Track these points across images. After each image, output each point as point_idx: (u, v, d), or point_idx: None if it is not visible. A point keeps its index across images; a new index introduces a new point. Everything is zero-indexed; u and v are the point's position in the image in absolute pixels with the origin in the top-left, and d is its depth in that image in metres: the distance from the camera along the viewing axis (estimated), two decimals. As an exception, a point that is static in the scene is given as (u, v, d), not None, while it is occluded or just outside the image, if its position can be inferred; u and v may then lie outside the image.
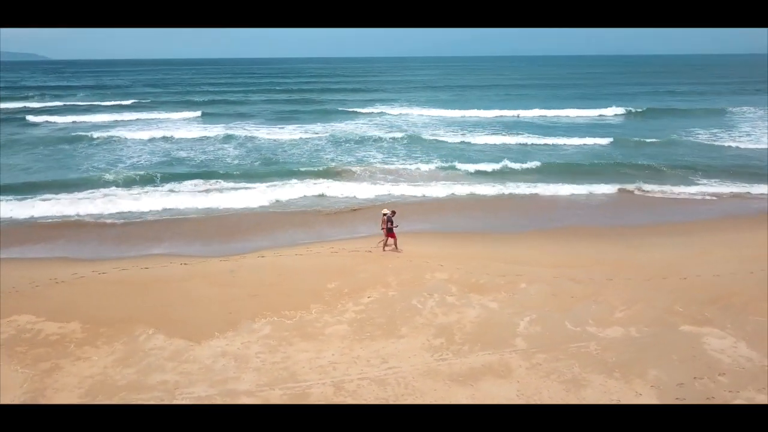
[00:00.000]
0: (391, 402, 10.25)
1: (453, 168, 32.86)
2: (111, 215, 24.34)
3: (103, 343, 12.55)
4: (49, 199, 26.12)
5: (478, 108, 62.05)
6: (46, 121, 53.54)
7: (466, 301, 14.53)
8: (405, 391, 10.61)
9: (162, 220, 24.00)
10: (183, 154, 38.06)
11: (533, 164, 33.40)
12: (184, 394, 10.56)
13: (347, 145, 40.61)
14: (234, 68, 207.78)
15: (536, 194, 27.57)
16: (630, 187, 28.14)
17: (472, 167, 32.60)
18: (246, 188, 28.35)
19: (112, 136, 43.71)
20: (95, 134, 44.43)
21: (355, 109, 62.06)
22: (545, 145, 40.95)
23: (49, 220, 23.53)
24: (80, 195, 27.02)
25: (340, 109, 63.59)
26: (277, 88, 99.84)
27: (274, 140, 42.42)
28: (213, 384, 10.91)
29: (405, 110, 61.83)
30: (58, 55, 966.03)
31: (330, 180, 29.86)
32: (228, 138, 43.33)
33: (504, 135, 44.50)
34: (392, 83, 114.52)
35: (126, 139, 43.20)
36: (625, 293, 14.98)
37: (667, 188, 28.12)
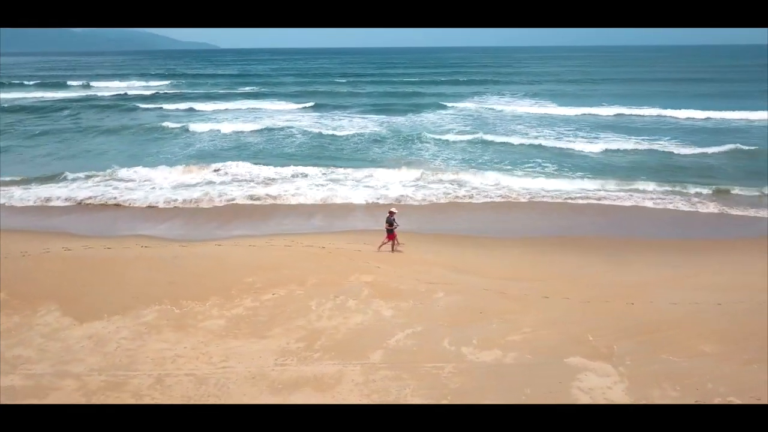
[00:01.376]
0: (193, 402, 10.09)
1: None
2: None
3: (6, 314, 13.61)
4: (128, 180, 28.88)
5: (600, 105, 56.68)
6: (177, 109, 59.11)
7: (365, 306, 13.83)
8: (214, 392, 10.36)
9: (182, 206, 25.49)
10: (251, 140, 40.75)
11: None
12: (23, 371, 11.17)
13: (404, 140, 40.17)
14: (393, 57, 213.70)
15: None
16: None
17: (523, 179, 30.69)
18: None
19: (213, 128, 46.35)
20: (193, 122, 48.00)
21: (449, 103, 61.08)
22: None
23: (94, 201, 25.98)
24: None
25: (433, 101, 62.93)
26: (403, 79, 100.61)
27: (333, 134, 43.03)
28: (54, 363, 11.41)
29: (502, 104, 59.40)
30: (226, 44, 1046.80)
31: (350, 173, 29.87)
32: (272, 129, 44.91)
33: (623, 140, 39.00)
34: (522, 74, 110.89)
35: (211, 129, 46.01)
36: (547, 314, 13.39)
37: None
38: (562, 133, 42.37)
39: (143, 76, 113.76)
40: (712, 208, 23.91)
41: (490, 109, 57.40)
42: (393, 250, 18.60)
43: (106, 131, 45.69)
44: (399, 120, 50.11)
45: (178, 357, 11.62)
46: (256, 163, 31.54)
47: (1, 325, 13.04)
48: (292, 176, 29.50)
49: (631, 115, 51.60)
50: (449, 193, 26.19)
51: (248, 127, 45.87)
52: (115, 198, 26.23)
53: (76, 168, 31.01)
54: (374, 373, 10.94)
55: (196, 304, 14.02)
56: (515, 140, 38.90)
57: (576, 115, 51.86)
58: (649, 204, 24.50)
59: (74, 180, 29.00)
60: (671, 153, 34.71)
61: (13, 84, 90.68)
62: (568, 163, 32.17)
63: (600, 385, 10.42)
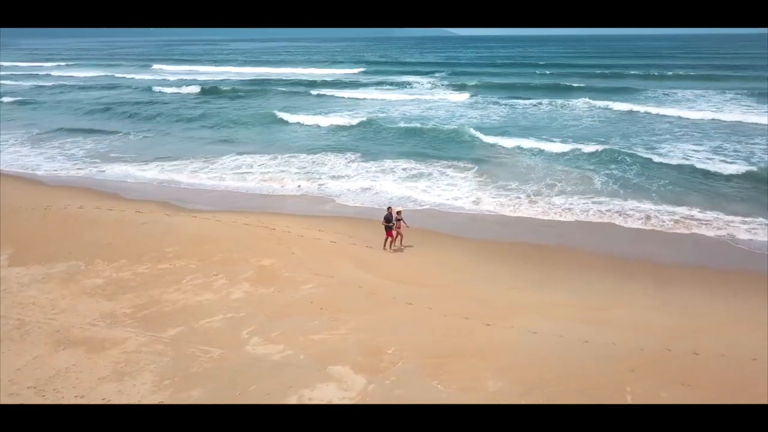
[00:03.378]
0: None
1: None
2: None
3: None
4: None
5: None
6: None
7: (226, 287, 14.39)
8: (16, 336, 11.90)
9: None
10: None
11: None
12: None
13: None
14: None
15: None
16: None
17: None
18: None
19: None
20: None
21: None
22: None
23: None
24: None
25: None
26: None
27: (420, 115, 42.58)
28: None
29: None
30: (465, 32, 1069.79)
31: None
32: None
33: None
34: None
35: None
36: (379, 320, 12.62)
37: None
38: None
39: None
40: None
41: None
42: (391, 247, 17.97)
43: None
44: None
45: (35, 304, 13.46)
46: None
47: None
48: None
49: None
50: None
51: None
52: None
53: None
54: (150, 345, 11.56)
55: (101, 264, 15.84)
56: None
57: None
58: None
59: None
60: None
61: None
62: None
63: (333, 397, 9.79)
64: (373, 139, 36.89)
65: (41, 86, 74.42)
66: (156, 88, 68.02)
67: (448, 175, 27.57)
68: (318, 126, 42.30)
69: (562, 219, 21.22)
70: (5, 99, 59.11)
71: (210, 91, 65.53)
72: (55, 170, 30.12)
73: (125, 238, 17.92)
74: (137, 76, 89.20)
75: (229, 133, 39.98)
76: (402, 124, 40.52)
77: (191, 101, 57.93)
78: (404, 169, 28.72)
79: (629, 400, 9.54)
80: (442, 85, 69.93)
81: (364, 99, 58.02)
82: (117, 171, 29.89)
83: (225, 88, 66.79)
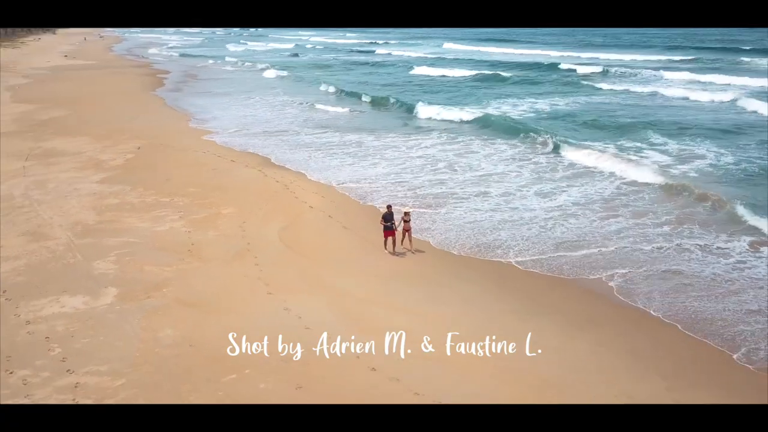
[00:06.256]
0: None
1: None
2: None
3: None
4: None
5: None
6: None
7: (190, 227, 17.98)
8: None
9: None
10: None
11: None
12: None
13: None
14: None
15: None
16: None
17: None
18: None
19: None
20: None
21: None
22: None
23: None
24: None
25: None
26: None
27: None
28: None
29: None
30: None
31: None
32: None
33: None
34: None
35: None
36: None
37: None
38: None
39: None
40: None
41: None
42: (393, 248, 16.48)
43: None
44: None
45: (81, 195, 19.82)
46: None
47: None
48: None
49: None
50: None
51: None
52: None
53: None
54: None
55: (143, 191, 21.08)
56: None
57: None
58: None
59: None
60: None
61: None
62: None
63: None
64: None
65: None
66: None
67: None
68: None
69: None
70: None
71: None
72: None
73: (182, 177, 22.95)
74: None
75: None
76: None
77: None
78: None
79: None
80: None
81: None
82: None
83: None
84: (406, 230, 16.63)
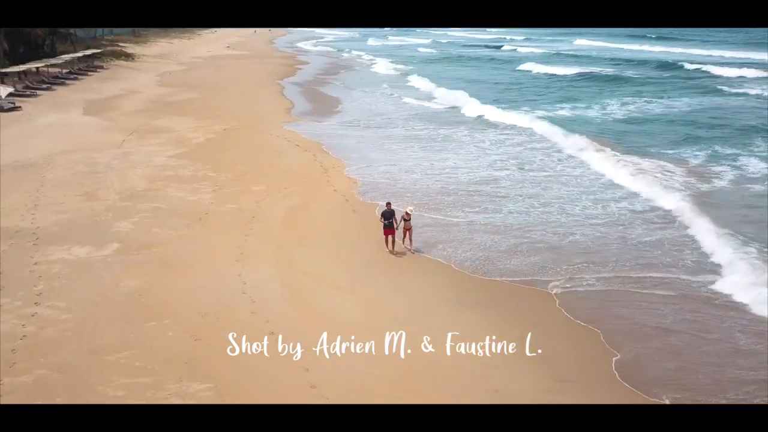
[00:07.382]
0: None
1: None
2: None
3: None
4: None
5: None
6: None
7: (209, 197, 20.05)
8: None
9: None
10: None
11: None
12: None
13: None
14: None
15: None
16: None
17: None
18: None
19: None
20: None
21: None
22: None
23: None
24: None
25: None
26: None
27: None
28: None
29: None
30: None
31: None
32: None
33: None
34: None
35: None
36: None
37: None
38: None
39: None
40: None
41: None
42: (393, 249, 16.12)
43: None
44: None
45: (148, 167, 22.61)
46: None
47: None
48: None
49: None
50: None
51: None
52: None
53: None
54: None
55: (201, 166, 23.74)
56: None
57: None
58: None
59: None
60: None
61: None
62: None
63: None
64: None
65: None
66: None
67: None
68: None
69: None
70: None
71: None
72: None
73: (243, 157, 25.32)
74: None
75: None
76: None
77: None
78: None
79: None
80: None
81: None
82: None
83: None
84: (407, 229, 16.22)
